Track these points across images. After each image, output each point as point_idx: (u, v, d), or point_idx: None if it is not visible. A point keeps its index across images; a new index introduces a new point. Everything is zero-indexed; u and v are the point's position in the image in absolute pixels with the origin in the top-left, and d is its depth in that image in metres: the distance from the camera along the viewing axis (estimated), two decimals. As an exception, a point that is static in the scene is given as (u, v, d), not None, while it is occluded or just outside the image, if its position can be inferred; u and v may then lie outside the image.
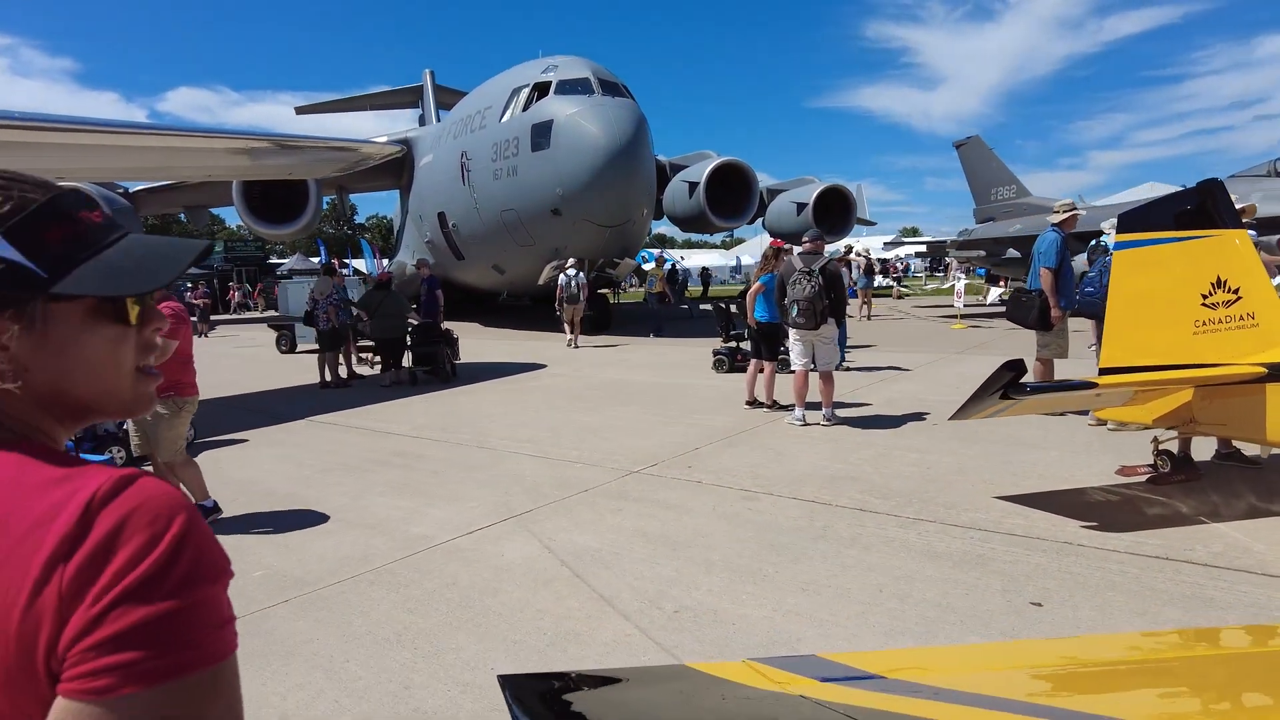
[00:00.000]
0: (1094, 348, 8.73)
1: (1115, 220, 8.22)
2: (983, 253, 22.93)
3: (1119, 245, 5.89)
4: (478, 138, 21.80)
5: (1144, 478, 5.82)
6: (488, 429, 8.59)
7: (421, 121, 40.38)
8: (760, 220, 34.38)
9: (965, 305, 21.08)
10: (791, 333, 8.23)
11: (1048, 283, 7.89)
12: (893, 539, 4.78)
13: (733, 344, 12.56)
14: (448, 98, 38.84)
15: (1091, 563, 4.31)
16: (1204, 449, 6.17)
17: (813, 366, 8.28)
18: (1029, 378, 5.12)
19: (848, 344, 12.28)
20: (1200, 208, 5.39)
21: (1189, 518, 5.00)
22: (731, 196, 30.06)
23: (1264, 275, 5.23)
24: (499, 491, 6.12)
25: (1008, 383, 4.80)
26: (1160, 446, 5.82)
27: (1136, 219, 5.86)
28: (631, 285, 41.78)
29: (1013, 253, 21.07)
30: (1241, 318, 5.16)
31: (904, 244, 43.81)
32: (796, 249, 9.14)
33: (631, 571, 4.39)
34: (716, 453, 7.12)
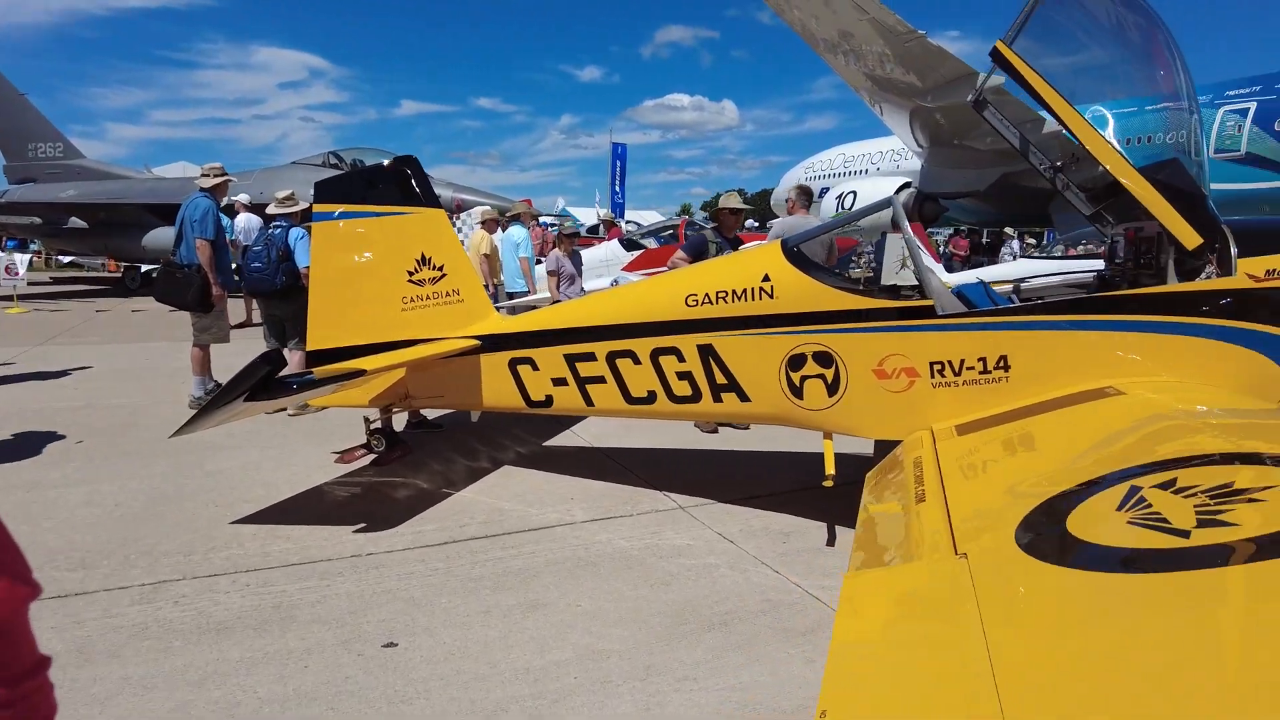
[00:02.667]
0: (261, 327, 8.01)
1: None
2: (37, 220, 18.91)
3: (318, 217, 5.42)
4: None
5: (365, 461, 5.61)
6: None
7: None
8: None
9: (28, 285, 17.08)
10: None
11: (206, 257, 6.83)
12: (145, 627, 3.27)
13: None
14: None
15: (398, 571, 3.84)
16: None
17: None
18: (283, 371, 4.23)
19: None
20: (398, 184, 5.36)
21: (435, 493, 5.02)
22: None
23: (463, 253, 5.59)
24: None
25: (263, 380, 3.85)
26: (372, 426, 5.69)
27: (332, 190, 5.49)
28: None
29: (76, 222, 18.04)
30: (448, 294, 5.37)
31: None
32: None
33: None
34: None
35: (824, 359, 4.10)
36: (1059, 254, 13.22)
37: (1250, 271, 3.48)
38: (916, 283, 4.06)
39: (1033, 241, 23.64)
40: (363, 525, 4.42)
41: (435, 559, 3.99)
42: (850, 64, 21.91)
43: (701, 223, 14.17)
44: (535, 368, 4.95)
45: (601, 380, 4.74)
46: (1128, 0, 3.81)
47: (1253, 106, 20.93)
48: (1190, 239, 3.49)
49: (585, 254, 14.48)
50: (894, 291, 4.08)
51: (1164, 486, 2.01)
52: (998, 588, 1.77)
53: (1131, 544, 1.76)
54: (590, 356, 4.75)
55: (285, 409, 6.87)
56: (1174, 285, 3.57)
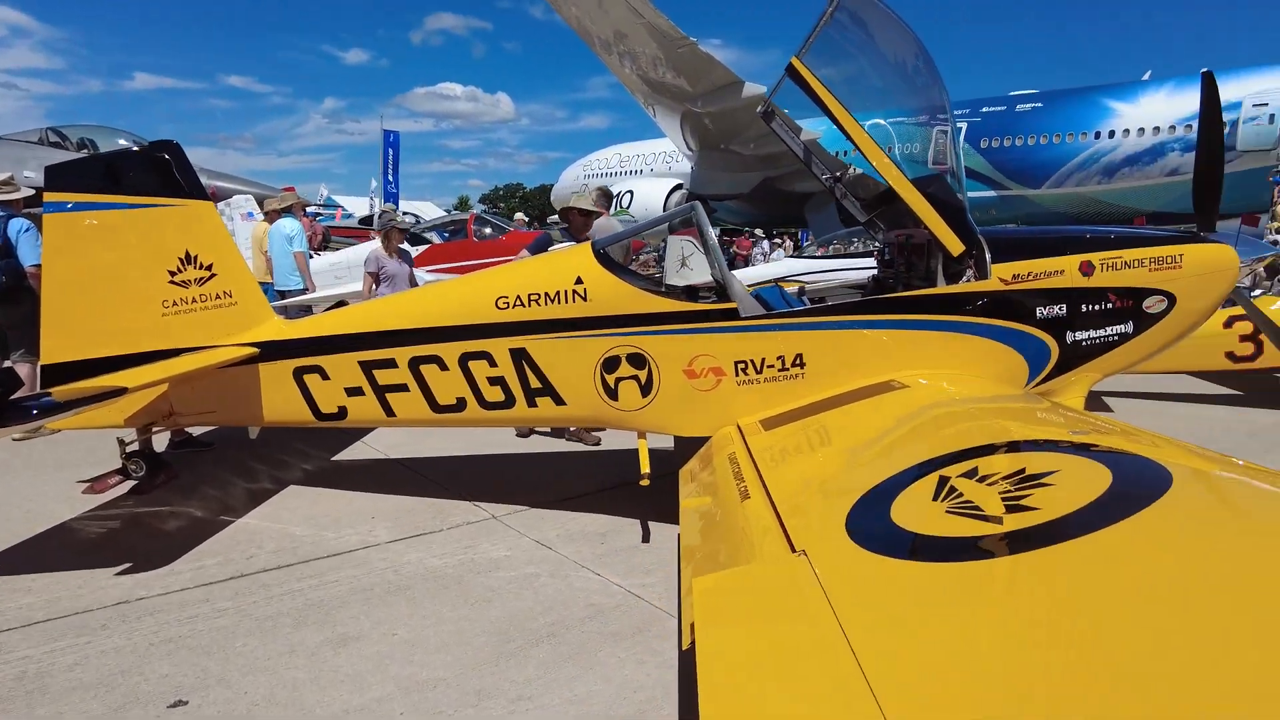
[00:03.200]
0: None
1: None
2: None
3: (50, 207, 4.61)
4: None
5: (122, 489, 4.88)
6: None
7: None
8: None
9: None
10: None
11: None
12: None
13: None
14: None
15: (178, 615, 3.37)
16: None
17: None
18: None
19: None
20: (156, 171, 4.70)
21: (213, 522, 4.48)
22: None
23: (235, 250, 5.01)
24: None
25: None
26: (128, 449, 4.96)
27: (68, 175, 4.70)
28: None
29: None
30: (218, 296, 4.79)
31: None
32: None
33: None
34: None
35: (637, 360, 4.15)
36: (818, 254, 14.46)
37: (1001, 276, 3.98)
38: (715, 285, 4.23)
39: (778, 241, 25.51)
40: (128, 565, 3.84)
41: (222, 597, 3.55)
42: (625, 65, 22.52)
43: (489, 216, 13.83)
44: (325, 377, 4.57)
45: (404, 389, 4.47)
46: (896, 25, 4.20)
47: (964, 126, 24.20)
48: (955, 246, 3.94)
49: (364, 249, 13.67)
50: (701, 295, 4.22)
51: (969, 475, 2.23)
52: (844, 585, 1.86)
53: (954, 533, 1.93)
54: (390, 363, 4.46)
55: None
56: (943, 288, 4.01)
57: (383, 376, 4.49)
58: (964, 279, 4.04)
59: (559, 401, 4.32)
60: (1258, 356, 7.60)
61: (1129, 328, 4.12)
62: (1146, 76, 24.08)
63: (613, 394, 4.22)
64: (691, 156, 27.05)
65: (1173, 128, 22.36)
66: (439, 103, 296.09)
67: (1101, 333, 4.10)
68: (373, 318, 4.67)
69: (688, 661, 2.03)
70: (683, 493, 3.58)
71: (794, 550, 2.13)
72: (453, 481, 5.20)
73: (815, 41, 3.95)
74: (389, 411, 4.54)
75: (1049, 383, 4.14)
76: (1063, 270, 4.04)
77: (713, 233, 4.23)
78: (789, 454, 3.31)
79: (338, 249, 15.52)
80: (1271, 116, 20.91)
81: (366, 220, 28.31)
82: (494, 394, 4.38)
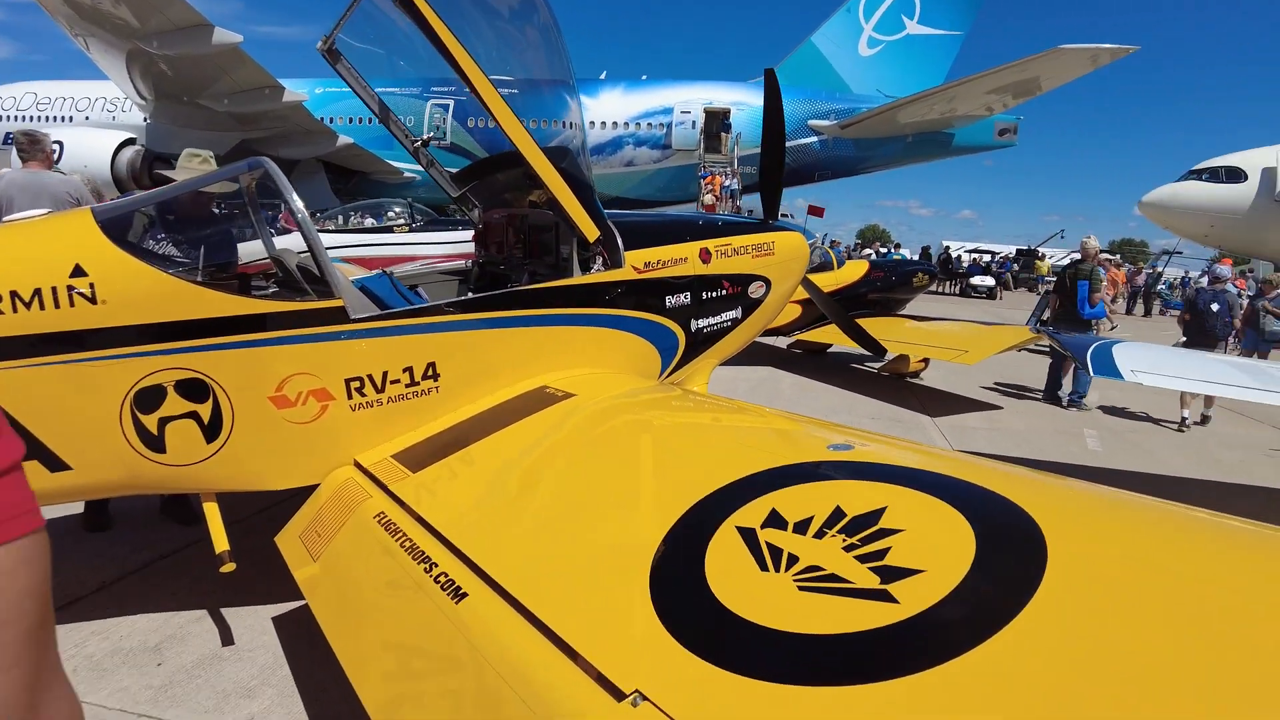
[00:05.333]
0: None
1: None
2: None
3: None
4: None
5: None
6: None
7: None
8: None
9: None
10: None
11: None
12: None
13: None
14: None
15: None
16: None
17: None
18: None
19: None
20: None
21: None
22: None
23: None
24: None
25: None
26: None
27: None
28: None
29: None
30: None
31: None
32: None
33: None
34: None
35: (194, 390, 2.83)
36: (330, 228, 13.01)
37: (635, 264, 3.68)
38: (311, 275, 3.16)
39: None
40: None
41: None
42: (37, -24, 17.43)
43: None
44: None
45: None
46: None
47: (452, 104, 24.43)
48: (591, 231, 3.50)
49: None
50: (289, 288, 3.08)
51: (777, 526, 1.79)
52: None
53: (849, 627, 1.44)
54: None
55: None
56: (586, 277, 3.54)
57: None
58: (594, 268, 3.64)
59: (58, 465, 2.74)
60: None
61: (739, 313, 4.21)
62: (603, 76, 27.19)
63: (156, 444, 2.82)
64: (145, 106, 22.29)
65: (626, 124, 25.67)
66: None
67: (719, 319, 4.11)
68: None
69: None
70: (311, 587, 2.50)
71: (623, 695, 1.43)
72: None
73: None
74: None
75: (676, 373, 4.03)
76: (686, 258, 3.92)
77: (299, 200, 3.09)
78: (474, 506, 2.50)
79: None
80: (694, 122, 25.33)
81: None
82: (-79, 466, 2.60)
